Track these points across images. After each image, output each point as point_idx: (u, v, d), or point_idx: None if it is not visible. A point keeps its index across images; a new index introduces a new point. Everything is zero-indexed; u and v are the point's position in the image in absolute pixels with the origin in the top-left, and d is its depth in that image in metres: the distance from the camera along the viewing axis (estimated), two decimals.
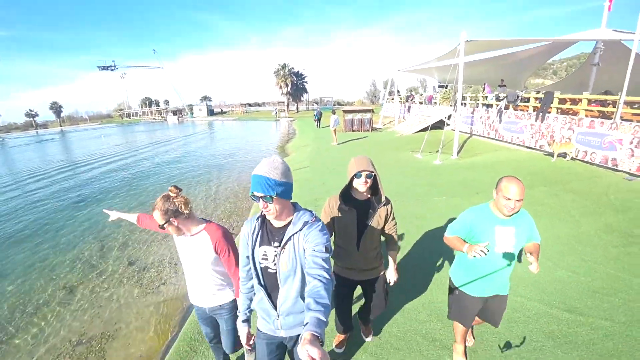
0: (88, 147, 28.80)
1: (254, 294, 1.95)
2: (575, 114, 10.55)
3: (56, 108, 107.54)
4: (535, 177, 8.78)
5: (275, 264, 1.74)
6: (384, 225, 2.55)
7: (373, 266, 2.63)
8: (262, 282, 1.81)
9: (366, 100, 69.68)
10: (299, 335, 1.85)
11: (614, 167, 8.79)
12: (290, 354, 2.05)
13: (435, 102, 22.77)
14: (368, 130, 22.74)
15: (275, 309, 1.81)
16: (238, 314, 2.06)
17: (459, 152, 13.08)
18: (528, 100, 12.93)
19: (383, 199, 2.46)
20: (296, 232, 1.68)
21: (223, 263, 2.26)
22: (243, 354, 2.93)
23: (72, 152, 27.64)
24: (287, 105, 57.48)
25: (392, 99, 28.46)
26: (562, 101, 11.60)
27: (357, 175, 2.35)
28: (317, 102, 63.19)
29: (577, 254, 4.75)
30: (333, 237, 2.56)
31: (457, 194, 7.90)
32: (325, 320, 1.27)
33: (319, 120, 28.00)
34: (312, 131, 25.36)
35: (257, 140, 25.92)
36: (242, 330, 2.02)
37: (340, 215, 2.48)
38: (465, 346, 2.92)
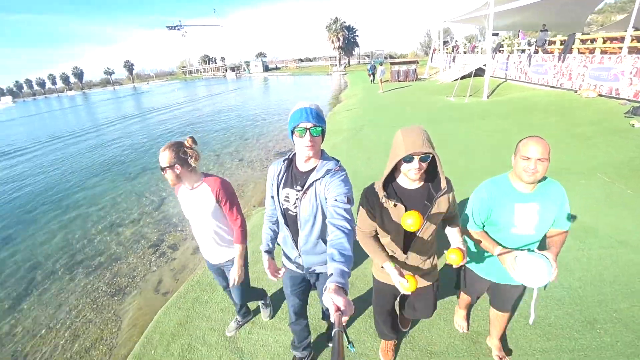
0: (176, 96, 33.35)
1: (277, 229, 1.97)
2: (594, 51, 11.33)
3: (129, 66, 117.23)
4: (537, 107, 10.26)
5: (296, 207, 1.71)
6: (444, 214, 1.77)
7: (424, 272, 1.92)
8: (286, 222, 1.80)
9: (420, 52, 66.92)
10: (319, 273, 1.93)
11: (617, 96, 9.86)
12: (314, 286, 2.07)
13: (477, 51, 22.96)
14: (413, 80, 23.86)
15: (297, 249, 1.82)
16: (260, 247, 1.95)
17: (489, 95, 14.34)
18: (554, 43, 13.55)
19: (443, 184, 1.63)
20: (319, 179, 1.62)
21: (225, 211, 2.16)
22: (258, 307, 3.02)
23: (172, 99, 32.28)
24: (339, 59, 57.97)
25: (436, 50, 28.59)
26: (584, 41, 12.23)
27: (406, 159, 1.54)
28: (368, 56, 62.54)
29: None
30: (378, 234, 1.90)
31: (465, 120, 9.87)
32: (348, 271, 1.22)
33: (373, 75, 24.61)
34: (361, 82, 26.88)
35: (313, 92, 28.10)
36: (266, 260, 1.87)
37: (382, 213, 1.74)
38: (467, 311, 2.67)
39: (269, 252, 1.91)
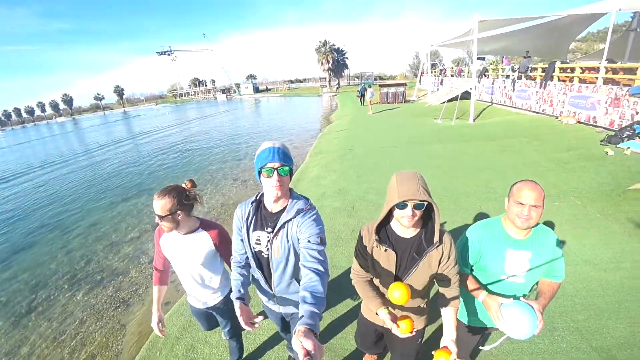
0: (165, 119, 33.59)
1: (247, 273, 1.85)
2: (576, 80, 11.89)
3: (119, 91, 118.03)
4: (520, 132, 10.65)
5: (268, 249, 1.67)
6: (437, 271, 1.64)
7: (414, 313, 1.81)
8: (259, 266, 1.76)
9: (409, 73, 68.54)
10: (293, 314, 1.89)
11: (594, 124, 10.32)
12: (289, 328, 2.07)
13: (463, 75, 23.76)
14: (401, 102, 24.46)
15: (271, 289, 1.81)
16: (231, 296, 1.74)
17: (475, 118, 14.80)
18: (536, 70, 14.17)
19: (436, 238, 1.55)
20: (290, 220, 1.60)
21: (223, 255, 2.12)
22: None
23: (161, 122, 32.31)
24: (329, 81, 59.10)
25: (424, 73, 29.48)
26: (564, 69, 12.84)
27: (400, 205, 1.47)
28: (357, 77, 63.89)
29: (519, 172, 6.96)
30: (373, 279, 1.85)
31: (451, 142, 10.17)
32: (319, 312, 1.21)
33: (362, 96, 24.87)
34: (351, 103, 27.45)
35: (304, 113, 28.62)
36: (238, 307, 1.62)
37: (373, 255, 1.70)
38: None
39: (241, 298, 1.69)
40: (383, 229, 1.66)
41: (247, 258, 1.82)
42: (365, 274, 1.79)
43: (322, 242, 1.55)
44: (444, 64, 28.77)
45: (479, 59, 26.29)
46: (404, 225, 1.54)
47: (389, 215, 1.63)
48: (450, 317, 1.63)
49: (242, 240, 1.76)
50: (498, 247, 1.71)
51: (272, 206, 1.66)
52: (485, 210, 5.35)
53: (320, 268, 1.44)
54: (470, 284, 1.78)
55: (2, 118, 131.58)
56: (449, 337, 1.59)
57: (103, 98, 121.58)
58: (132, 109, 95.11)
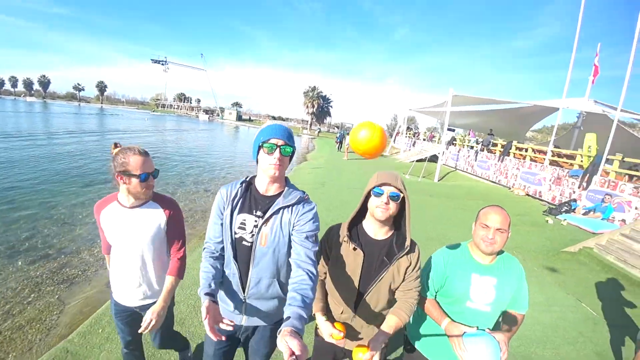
0: (143, 123, 33.10)
1: (221, 267, 1.52)
2: (526, 158, 13.47)
3: (101, 87, 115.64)
4: (477, 196, 11.73)
5: (253, 236, 1.44)
6: (402, 281, 1.57)
7: (371, 334, 1.58)
8: (235, 256, 1.47)
9: (386, 132, 72.61)
10: (257, 326, 1.59)
11: (540, 197, 11.61)
12: (245, 346, 1.69)
13: (434, 140, 25.81)
14: None
15: (244, 291, 1.49)
16: (198, 291, 1.38)
17: (440, 179, 16.04)
18: (497, 145, 15.88)
19: (407, 242, 1.51)
20: (288, 206, 1.43)
21: (171, 236, 1.80)
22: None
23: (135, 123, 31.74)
24: (310, 124, 61.28)
25: (399, 133, 31.66)
26: (520, 149, 14.54)
27: (375, 191, 1.47)
28: (337, 127, 66.80)
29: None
30: (326, 279, 1.72)
31: (416, 194, 10.96)
32: (306, 317, 1.14)
33: (340, 142, 26.04)
34: (329, 147, 28.61)
35: None
36: (205, 307, 1.28)
37: (339, 255, 1.58)
38: None
39: (211, 295, 1.35)
40: (355, 228, 1.60)
41: (222, 249, 1.52)
42: (322, 273, 1.68)
43: (317, 242, 1.46)
44: (418, 129, 31.08)
45: (449, 129, 29.03)
46: (377, 218, 1.48)
47: (362, 216, 1.61)
48: (392, 320, 1.49)
49: (222, 224, 1.49)
50: (463, 271, 1.63)
51: (265, 188, 1.47)
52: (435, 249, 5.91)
53: (314, 272, 1.34)
54: (434, 310, 1.66)
55: None
56: (376, 339, 1.42)
57: (83, 89, 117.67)
58: (111, 107, 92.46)
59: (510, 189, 13.14)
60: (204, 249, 1.56)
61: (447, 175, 17.61)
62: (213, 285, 1.40)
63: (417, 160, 20.90)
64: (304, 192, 1.53)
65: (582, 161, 10.77)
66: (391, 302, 1.63)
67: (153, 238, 1.73)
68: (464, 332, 1.50)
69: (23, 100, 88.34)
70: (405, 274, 1.56)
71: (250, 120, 79.43)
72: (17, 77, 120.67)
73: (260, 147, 1.42)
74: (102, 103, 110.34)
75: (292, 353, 0.92)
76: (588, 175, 9.65)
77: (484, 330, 1.53)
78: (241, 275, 1.49)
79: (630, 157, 9.35)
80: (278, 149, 1.39)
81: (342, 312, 1.65)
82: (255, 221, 1.45)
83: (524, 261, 5.83)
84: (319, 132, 59.64)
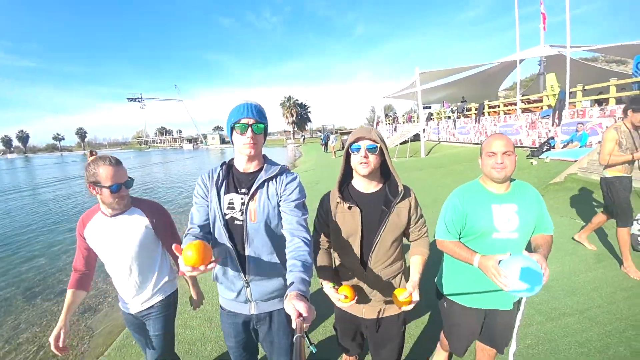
0: (128, 162, 33.11)
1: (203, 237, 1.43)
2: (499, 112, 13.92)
3: (81, 133, 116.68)
4: (462, 159, 12.10)
5: (242, 214, 1.42)
6: (407, 228, 1.59)
7: (388, 295, 1.55)
8: (231, 237, 1.43)
9: (367, 125, 73.54)
10: (271, 312, 1.52)
11: (521, 145, 12.00)
12: (257, 335, 1.60)
13: (413, 121, 26.32)
14: None
15: (244, 274, 1.45)
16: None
17: (427, 154, 16.46)
18: (470, 110, 16.36)
19: (400, 187, 1.51)
20: (270, 178, 1.44)
21: (163, 238, 1.77)
22: None
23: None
24: (293, 133, 61.79)
25: (379, 122, 32.20)
26: (492, 107, 15.01)
27: (353, 148, 1.47)
28: (320, 131, 67.58)
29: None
30: (330, 247, 1.70)
31: (406, 172, 11.33)
32: (309, 280, 1.14)
33: (326, 144, 26.62)
34: (315, 152, 28.99)
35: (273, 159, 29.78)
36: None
37: (336, 218, 1.58)
38: (450, 356, 2.16)
39: (195, 237, 1.39)
40: (346, 190, 1.59)
41: (208, 232, 1.48)
42: (323, 239, 1.66)
43: (306, 210, 1.44)
44: (396, 114, 31.69)
45: (426, 107, 29.69)
46: (361, 173, 1.48)
47: (350, 177, 1.61)
48: (416, 262, 1.53)
49: (207, 207, 1.47)
50: (482, 204, 1.60)
51: (245, 166, 1.48)
52: (435, 215, 6.20)
53: (308, 237, 1.32)
54: (461, 250, 1.60)
55: None
56: (410, 282, 1.43)
57: (63, 139, 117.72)
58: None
59: None
60: (186, 234, 1.44)
61: (432, 149, 18.02)
62: (200, 233, 1.43)
63: (401, 143, 21.37)
64: (284, 165, 1.53)
65: (549, 101, 11.19)
66: (398, 253, 1.60)
67: (139, 244, 1.68)
68: (500, 261, 1.41)
69: (4, 158, 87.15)
70: (407, 218, 1.55)
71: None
72: None
73: (232, 128, 1.41)
74: (84, 149, 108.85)
75: (300, 314, 0.93)
76: (557, 111, 10.07)
77: (519, 253, 1.42)
78: (239, 257, 1.44)
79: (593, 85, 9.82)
80: (250, 128, 1.38)
81: (351, 275, 1.61)
82: (242, 198, 1.43)
83: None
84: (304, 139, 60.14)
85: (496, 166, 1.52)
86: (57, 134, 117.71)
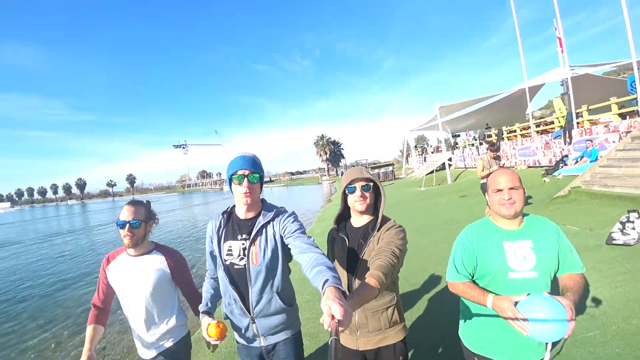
0: (173, 204, 36.06)
1: (218, 290, 1.67)
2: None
3: (131, 179, 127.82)
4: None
5: (242, 260, 1.53)
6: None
7: (378, 327, 1.55)
8: (232, 281, 1.54)
9: (401, 158, 73.78)
10: (277, 343, 1.59)
11: (540, 165, 12.35)
12: None
13: (440, 151, 26.87)
14: (392, 180, 27.08)
15: (249, 312, 1.54)
16: (199, 307, 1.67)
17: (453, 181, 17.00)
18: (491, 136, 16.90)
19: (379, 220, 1.57)
20: (268, 222, 1.54)
21: (180, 283, 1.85)
22: None
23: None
24: (327, 170, 63.43)
25: (410, 154, 32.97)
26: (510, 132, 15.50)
27: (349, 188, 1.58)
28: (353, 165, 68.88)
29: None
30: None
31: (429, 199, 12.07)
32: (340, 280, 1.10)
33: None
34: None
35: (307, 196, 31.04)
36: (203, 321, 1.57)
37: (334, 247, 1.71)
38: None
39: (208, 312, 1.62)
40: (344, 222, 1.71)
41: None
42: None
43: (311, 237, 1.46)
44: (425, 146, 32.46)
45: (455, 136, 30.21)
46: (359, 210, 1.57)
47: (349, 211, 1.67)
48: (364, 283, 1.25)
49: (211, 254, 1.65)
50: (493, 242, 1.47)
51: (245, 213, 1.59)
52: (448, 233, 6.95)
53: (321, 251, 1.31)
54: (472, 291, 1.45)
55: (14, 196, 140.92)
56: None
57: (115, 185, 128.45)
58: (142, 196, 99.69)
59: (513, 167, 13.90)
60: (206, 276, 1.76)
61: (459, 176, 18.44)
62: (210, 305, 1.66)
63: (429, 173, 21.94)
64: (279, 207, 1.64)
65: (560, 123, 11.67)
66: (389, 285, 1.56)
67: (155, 282, 1.73)
68: (516, 302, 1.26)
69: (65, 204, 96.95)
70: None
71: (271, 181, 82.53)
72: (57, 184, 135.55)
73: (231, 180, 1.53)
74: (133, 194, 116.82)
75: (334, 317, 0.85)
76: (567, 131, 10.54)
77: (540, 294, 1.27)
78: (243, 298, 1.53)
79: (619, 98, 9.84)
80: (246, 179, 1.49)
81: None
82: (243, 244, 1.53)
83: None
84: (342, 173, 61.31)
85: (504, 202, 1.43)
86: (110, 180, 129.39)
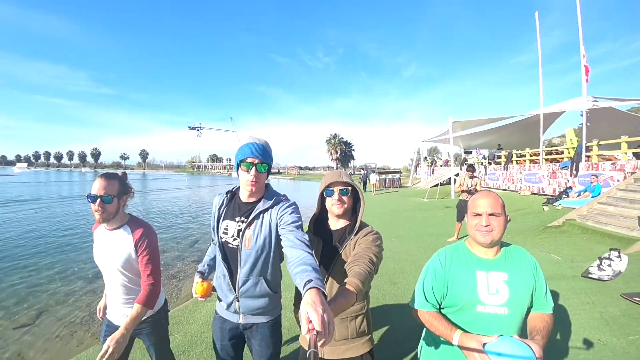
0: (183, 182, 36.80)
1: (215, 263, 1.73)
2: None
3: (144, 154, 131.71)
4: None
5: (234, 239, 1.56)
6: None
7: (345, 336, 1.49)
8: (224, 258, 1.59)
9: (411, 167, 73.33)
10: (256, 324, 1.62)
11: (543, 193, 12.38)
12: (249, 342, 1.68)
13: (449, 165, 26.82)
14: (398, 187, 27.15)
15: (235, 290, 1.58)
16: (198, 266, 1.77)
17: (458, 196, 17.06)
18: (500, 157, 16.90)
19: (357, 225, 1.54)
20: (267, 209, 1.55)
21: (139, 263, 1.73)
22: None
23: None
24: (336, 169, 63.30)
25: (419, 165, 32.95)
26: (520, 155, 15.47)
27: (327, 192, 1.56)
28: (362, 168, 69.05)
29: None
30: None
31: (430, 210, 12.21)
32: (322, 281, 1.07)
33: (364, 183, 26.93)
34: None
35: (312, 192, 31.44)
36: (195, 279, 1.74)
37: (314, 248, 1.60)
38: None
39: (201, 273, 1.76)
40: (321, 224, 1.65)
41: None
42: None
43: (305, 232, 1.47)
44: (436, 157, 32.45)
45: (467, 152, 30.17)
46: (336, 214, 1.55)
47: (327, 213, 1.63)
48: (341, 289, 1.22)
49: (212, 228, 1.66)
50: (465, 269, 1.36)
51: (247, 197, 1.60)
52: (441, 245, 7.16)
53: (310, 251, 1.28)
54: (439, 324, 1.33)
55: (31, 158, 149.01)
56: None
57: (128, 158, 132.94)
58: (152, 172, 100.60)
59: (518, 192, 13.94)
60: (209, 244, 1.91)
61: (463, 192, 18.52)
62: (206, 267, 1.81)
63: (435, 185, 21.97)
64: (282, 194, 1.63)
65: (569, 153, 11.67)
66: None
67: (123, 262, 1.69)
68: (484, 343, 1.16)
69: (79, 170, 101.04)
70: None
71: (279, 172, 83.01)
72: (73, 151, 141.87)
73: (239, 164, 1.52)
74: (144, 169, 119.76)
75: (313, 327, 0.78)
76: (575, 163, 10.56)
77: (510, 337, 1.17)
78: (232, 275, 1.57)
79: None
80: (254, 167, 1.49)
81: None
82: (239, 226, 1.55)
83: (512, 238, 6.90)
84: (350, 175, 61.43)
85: (481, 229, 1.32)
86: (124, 153, 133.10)
